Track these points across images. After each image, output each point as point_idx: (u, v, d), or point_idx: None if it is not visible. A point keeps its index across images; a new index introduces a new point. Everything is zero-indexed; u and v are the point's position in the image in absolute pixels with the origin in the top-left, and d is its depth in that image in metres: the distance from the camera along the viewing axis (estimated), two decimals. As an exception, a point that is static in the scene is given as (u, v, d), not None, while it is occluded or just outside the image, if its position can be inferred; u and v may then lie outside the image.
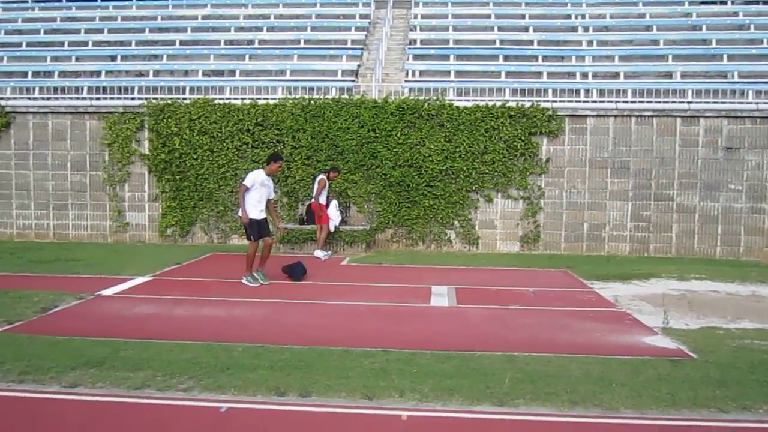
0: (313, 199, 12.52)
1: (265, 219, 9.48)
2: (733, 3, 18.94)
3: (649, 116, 13.19)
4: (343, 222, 13.15)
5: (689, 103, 13.28)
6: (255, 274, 9.34)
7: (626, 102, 13.52)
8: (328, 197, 12.69)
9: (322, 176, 12.47)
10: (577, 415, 4.64)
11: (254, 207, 9.23)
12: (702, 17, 17.28)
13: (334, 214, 12.66)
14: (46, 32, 17.80)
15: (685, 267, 11.53)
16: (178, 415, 4.62)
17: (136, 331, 6.70)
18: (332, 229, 12.63)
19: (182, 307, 7.89)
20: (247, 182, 9.20)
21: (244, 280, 9.29)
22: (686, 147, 13.14)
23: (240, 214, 9.36)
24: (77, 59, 16.38)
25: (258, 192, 9.26)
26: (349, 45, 16.68)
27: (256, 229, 9.30)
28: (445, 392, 4.99)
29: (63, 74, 15.60)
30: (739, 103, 13.31)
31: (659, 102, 13.43)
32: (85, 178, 14.14)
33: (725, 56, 15.06)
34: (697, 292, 9.32)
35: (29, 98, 14.61)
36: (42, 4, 19.23)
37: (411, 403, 4.80)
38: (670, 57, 15.26)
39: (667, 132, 13.16)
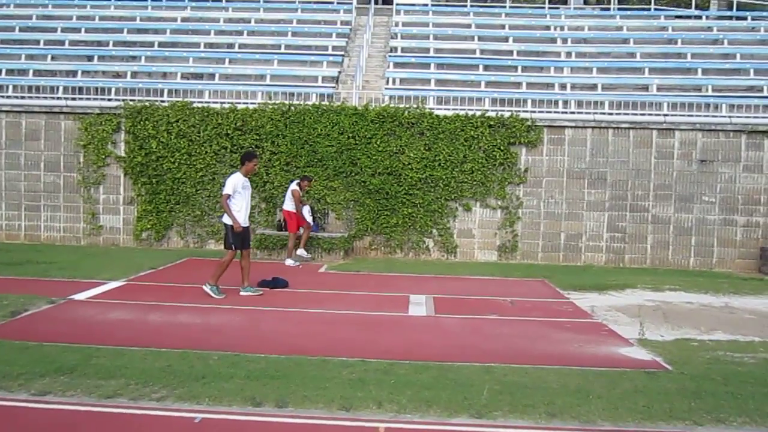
0: (285, 207, 12.40)
1: (248, 227, 9.04)
2: (707, 18, 19.36)
3: (625, 128, 13.36)
4: (320, 228, 13.09)
5: (665, 115, 13.50)
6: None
7: (603, 114, 13.68)
8: (301, 202, 12.54)
9: (295, 187, 12.32)
10: (555, 428, 4.65)
11: (238, 214, 8.70)
12: (677, 31, 17.57)
13: (308, 217, 12.58)
14: (21, 30, 17.46)
15: (659, 278, 11.67)
16: (150, 425, 4.53)
17: (109, 337, 6.57)
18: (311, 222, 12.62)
19: (157, 313, 7.76)
20: (228, 190, 8.67)
21: (207, 288, 8.66)
22: (662, 159, 13.33)
23: (225, 221, 8.80)
24: (53, 58, 16.09)
25: (241, 197, 8.77)
26: (330, 51, 16.63)
27: (240, 239, 8.81)
28: (423, 403, 4.96)
29: (38, 73, 15.31)
30: (713, 116, 13.55)
31: (636, 114, 13.63)
32: (59, 179, 13.89)
33: (700, 70, 15.33)
34: (671, 303, 9.42)
35: (2, 97, 14.27)
36: (17, 2, 18.84)
37: (389, 415, 4.76)
38: (647, 70, 15.49)
39: (644, 144, 13.34)
